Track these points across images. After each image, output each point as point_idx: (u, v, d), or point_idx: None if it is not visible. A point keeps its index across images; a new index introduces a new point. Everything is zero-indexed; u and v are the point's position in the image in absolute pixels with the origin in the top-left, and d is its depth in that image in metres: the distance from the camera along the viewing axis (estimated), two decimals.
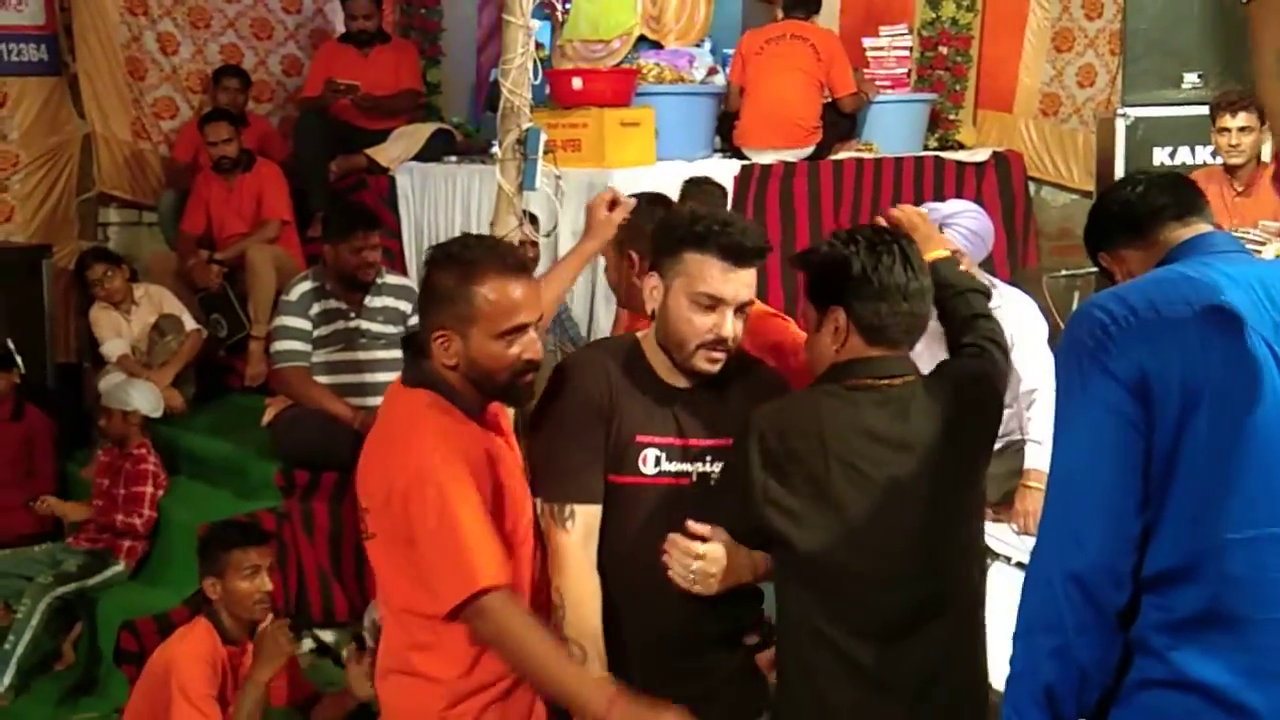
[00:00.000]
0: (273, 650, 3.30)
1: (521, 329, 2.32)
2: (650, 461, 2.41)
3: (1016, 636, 1.95)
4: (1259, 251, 4.12)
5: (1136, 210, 2.12)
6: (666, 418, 2.42)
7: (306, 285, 4.75)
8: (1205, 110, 5.29)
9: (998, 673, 2.05)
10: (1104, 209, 2.21)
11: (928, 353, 4.10)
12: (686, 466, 2.42)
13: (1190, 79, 5.73)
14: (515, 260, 2.38)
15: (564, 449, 2.39)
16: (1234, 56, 5.66)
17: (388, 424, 2.40)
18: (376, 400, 4.63)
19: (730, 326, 2.35)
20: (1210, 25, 5.62)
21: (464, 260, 2.34)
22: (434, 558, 2.22)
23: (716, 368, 2.39)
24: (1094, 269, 4.59)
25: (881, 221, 2.60)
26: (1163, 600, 1.87)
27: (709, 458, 2.41)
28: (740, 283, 2.35)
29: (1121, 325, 1.88)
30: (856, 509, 2.20)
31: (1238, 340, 1.85)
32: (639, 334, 2.50)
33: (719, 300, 2.34)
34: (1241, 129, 5.09)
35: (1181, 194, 2.12)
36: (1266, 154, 5.28)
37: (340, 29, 7.33)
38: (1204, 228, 2.07)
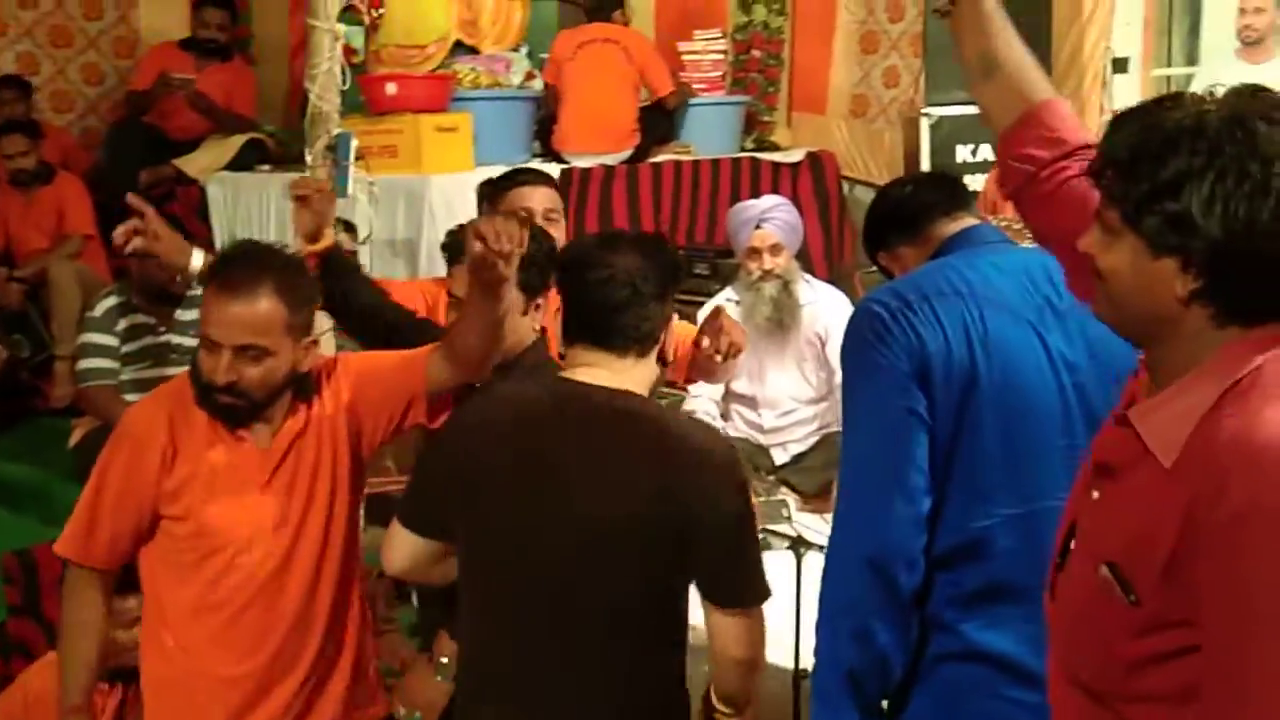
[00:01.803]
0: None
1: (212, 344, 2.33)
2: None
3: (819, 624, 2.00)
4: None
5: (907, 208, 2.21)
6: None
7: (112, 300, 4.59)
8: None
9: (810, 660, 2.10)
10: (878, 210, 2.28)
11: (795, 370, 4.22)
12: None
13: None
14: (240, 280, 2.34)
15: None
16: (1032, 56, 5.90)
17: None
18: None
19: None
20: None
21: (219, 257, 2.49)
22: None
23: None
24: None
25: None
26: (952, 576, 1.95)
27: None
28: None
29: (898, 318, 1.95)
30: None
31: (1006, 325, 1.95)
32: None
33: None
34: None
35: (949, 190, 2.21)
36: None
37: (148, 37, 7.08)
38: (971, 221, 2.16)
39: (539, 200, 3.00)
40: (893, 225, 2.23)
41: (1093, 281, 1.48)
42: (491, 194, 3.12)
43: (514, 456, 2.13)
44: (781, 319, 4.18)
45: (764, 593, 2.14)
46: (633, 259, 2.14)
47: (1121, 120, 1.45)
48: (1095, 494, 1.50)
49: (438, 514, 2.21)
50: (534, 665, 2.11)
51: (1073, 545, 1.53)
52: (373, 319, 2.82)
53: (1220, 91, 1.40)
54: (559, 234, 3.00)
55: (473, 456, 2.16)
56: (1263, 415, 1.32)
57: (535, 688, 2.11)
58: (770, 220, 4.21)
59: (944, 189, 2.22)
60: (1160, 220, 1.35)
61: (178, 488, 2.39)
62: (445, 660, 2.46)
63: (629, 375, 2.13)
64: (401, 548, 2.26)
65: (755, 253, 4.20)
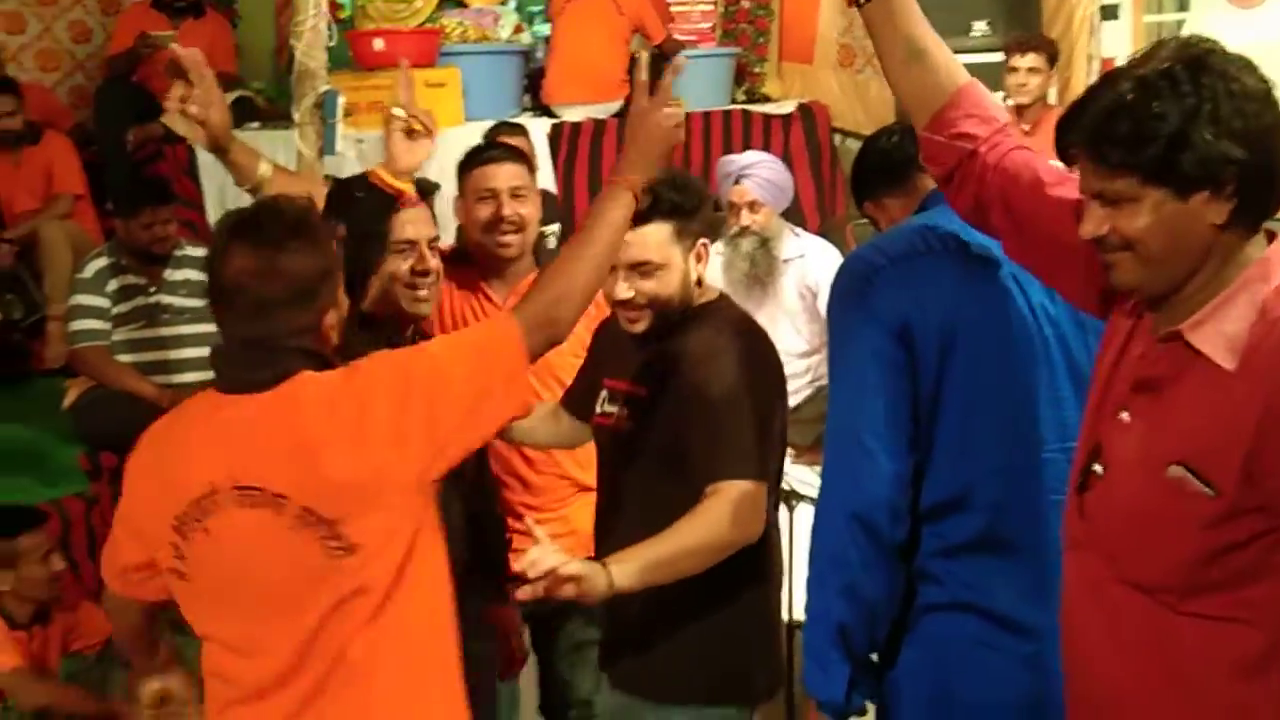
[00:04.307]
0: None
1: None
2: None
3: (809, 580, 2.03)
4: None
5: (892, 159, 2.20)
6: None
7: (102, 261, 4.60)
8: (995, 57, 5.47)
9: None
10: (864, 160, 2.29)
11: (786, 323, 4.22)
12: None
13: (979, 26, 5.92)
14: None
15: None
16: (1020, 3, 5.88)
17: None
18: (182, 377, 4.52)
19: (620, 289, 2.36)
20: None
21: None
22: None
23: (634, 328, 2.41)
24: None
25: None
26: (939, 529, 1.98)
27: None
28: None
29: (882, 274, 1.97)
30: None
31: (988, 280, 1.96)
32: None
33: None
34: (1030, 69, 5.30)
35: None
36: (1053, 96, 5.51)
37: None
38: None
39: (504, 179, 2.94)
40: (878, 176, 2.23)
41: (1104, 258, 1.59)
42: (459, 173, 3.05)
43: None
44: (758, 275, 4.17)
45: None
46: None
47: (1081, 108, 1.59)
48: (1125, 415, 1.62)
49: None
50: None
51: (1097, 467, 1.65)
52: None
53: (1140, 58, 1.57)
54: (528, 210, 2.94)
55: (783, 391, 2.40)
56: None
57: None
58: (749, 176, 4.19)
59: None
60: (1188, 162, 1.49)
61: None
62: None
63: None
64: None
65: (734, 208, 4.21)
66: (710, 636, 2.34)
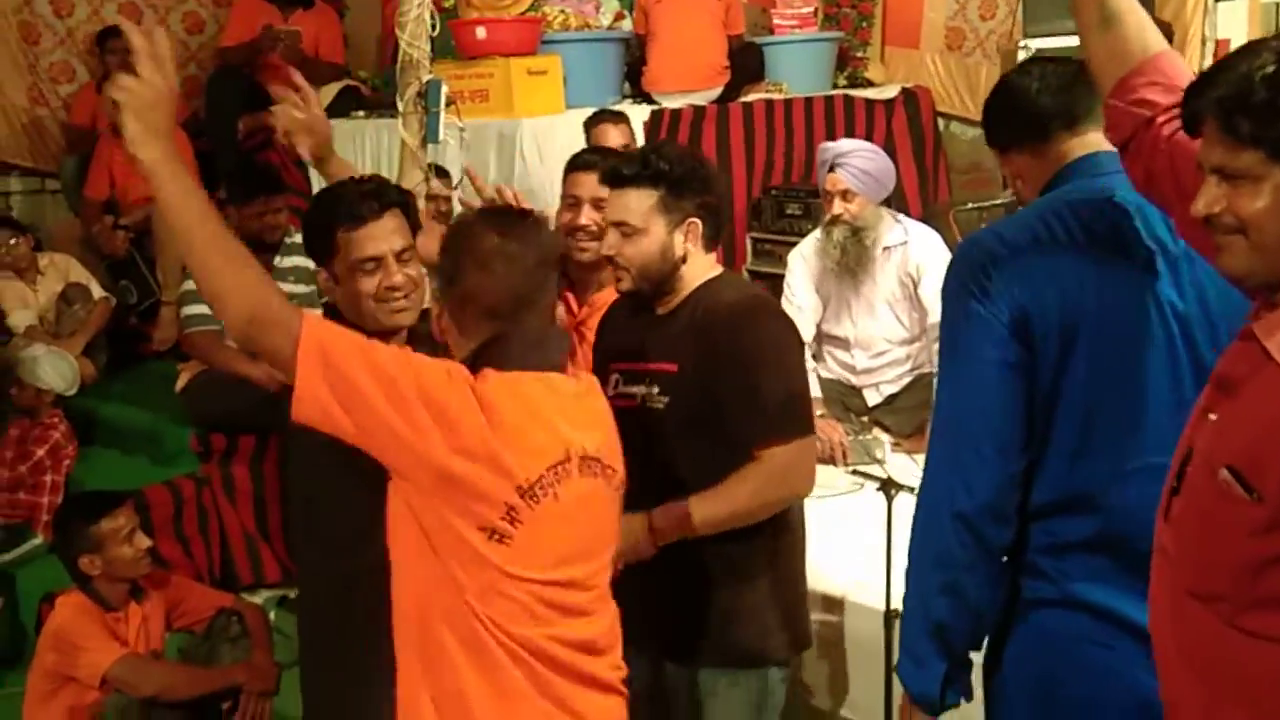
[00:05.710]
0: None
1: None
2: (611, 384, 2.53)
3: (908, 573, 1.98)
4: None
5: (1027, 112, 2.04)
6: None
7: None
8: None
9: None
10: (998, 102, 2.12)
11: (887, 311, 4.18)
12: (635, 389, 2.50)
13: None
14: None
15: None
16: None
17: None
18: None
19: (606, 244, 2.52)
20: None
21: None
22: None
23: (619, 286, 2.54)
24: (1001, 201, 4.63)
25: None
26: (1049, 527, 1.91)
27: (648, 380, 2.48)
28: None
29: (1001, 265, 1.88)
30: None
31: (1114, 272, 1.87)
32: None
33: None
34: None
35: (1075, 96, 2.02)
36: None
37: None
38: (1094, 142, 2.00)
39: (587, 188, 2.94)
40: (1010, 125, 2.08)
41: (1213, 240, 1.50)
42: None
43: None
44: (849, 264, 4.12)
45: None
46: None
47: (1215, 74, 1.48)
48: (1213, 416, 1.54)
49: None
50: None
51: (1189, 470, 1.57)
52: None
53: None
54: None
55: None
56: None
57: None
58: (843, 165, 4.13)
59: (1070, 94, 2.01)
60: None
61: None
62: None
63: None
64: None
65: (827, 196, 4.17)
66: (762, 600, 2.49)
